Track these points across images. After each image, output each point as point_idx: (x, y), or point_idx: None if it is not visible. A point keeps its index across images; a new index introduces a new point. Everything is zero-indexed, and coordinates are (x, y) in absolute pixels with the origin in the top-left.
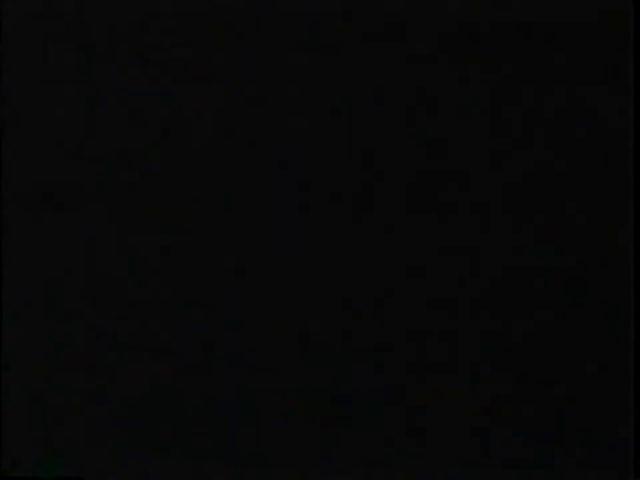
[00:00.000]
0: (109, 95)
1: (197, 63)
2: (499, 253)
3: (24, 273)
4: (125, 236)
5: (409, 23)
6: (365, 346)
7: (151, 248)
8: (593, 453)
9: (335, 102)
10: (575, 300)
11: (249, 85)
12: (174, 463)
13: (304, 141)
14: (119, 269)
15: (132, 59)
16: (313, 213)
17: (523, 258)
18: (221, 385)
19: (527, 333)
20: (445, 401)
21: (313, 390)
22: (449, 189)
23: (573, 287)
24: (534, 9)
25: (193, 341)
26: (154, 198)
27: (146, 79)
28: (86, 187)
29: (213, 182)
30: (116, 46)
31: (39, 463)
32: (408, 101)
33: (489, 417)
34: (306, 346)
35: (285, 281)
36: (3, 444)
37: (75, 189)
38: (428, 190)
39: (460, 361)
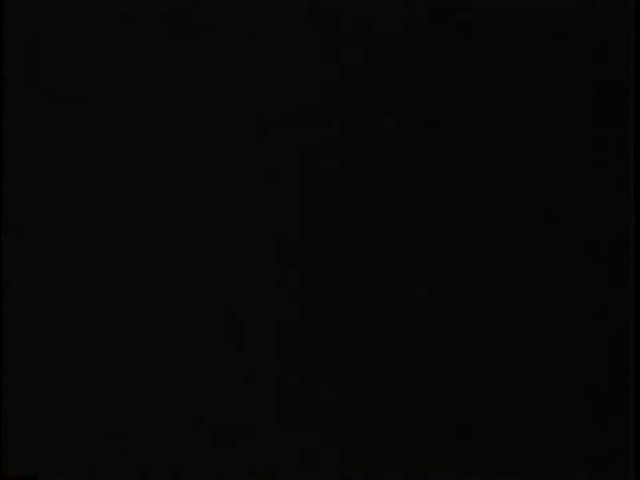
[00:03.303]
0: (108, 96)
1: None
2: (498, 251)
3: (24, 273)
4: (124, 236)
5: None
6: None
7: (151, 248)
8: (593, 453)
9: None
10: (575, 300)
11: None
12: (174, 466)
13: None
14: (117, 269)
15: (132, 59)
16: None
17: (522, 256)
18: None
19: (526, 332)
20: (444, 400)
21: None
22: (445, 187)
23: (573, 287)
24: (534, 3)
25: (192, 339)
26: (154, 198)
27: (147, 80)
28: (85, 187)
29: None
30: (116, 47)
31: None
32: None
33: (487, 417)
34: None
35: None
36: (2, 444)
37: (75, 190)
38: (426, 187)
39: (459, 361)
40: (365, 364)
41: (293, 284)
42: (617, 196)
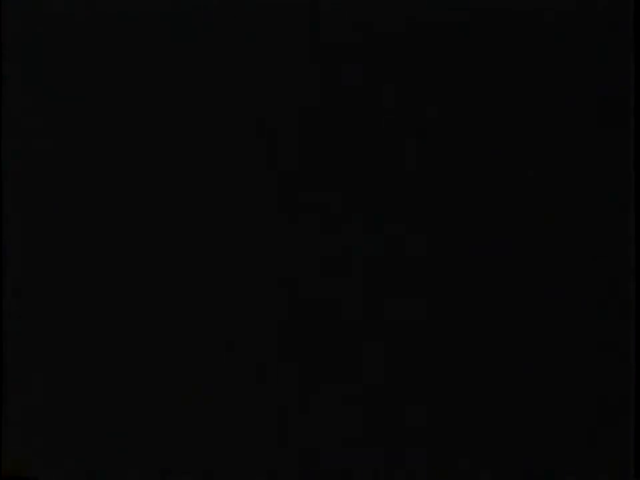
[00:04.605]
0: (107, 95)
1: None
2: (497, 253)
3: (24, 274)
4: (123, 235)
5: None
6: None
7: (151, 248)
8: (593, 453)
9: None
10: (575, 300)
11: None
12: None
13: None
14: (117, 270)
15: (131, 59)
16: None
17: (522, 256)
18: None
19: (526, 333)
20: (444, 401)
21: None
22: (446, 187)
23: (573, 287)
24: (534, 3)
25: (193, 341)
26: (153, 197)
27: (147, 80)
28: (85, 187)
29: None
30: (115, 47)
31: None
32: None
33: (487, 417)
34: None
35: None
36: (2, 444)
37: (74, 190)
38: (423, 190)
39: (459, 361)
40: (366, 365)
41: (293, 286)
42: (617, 196)
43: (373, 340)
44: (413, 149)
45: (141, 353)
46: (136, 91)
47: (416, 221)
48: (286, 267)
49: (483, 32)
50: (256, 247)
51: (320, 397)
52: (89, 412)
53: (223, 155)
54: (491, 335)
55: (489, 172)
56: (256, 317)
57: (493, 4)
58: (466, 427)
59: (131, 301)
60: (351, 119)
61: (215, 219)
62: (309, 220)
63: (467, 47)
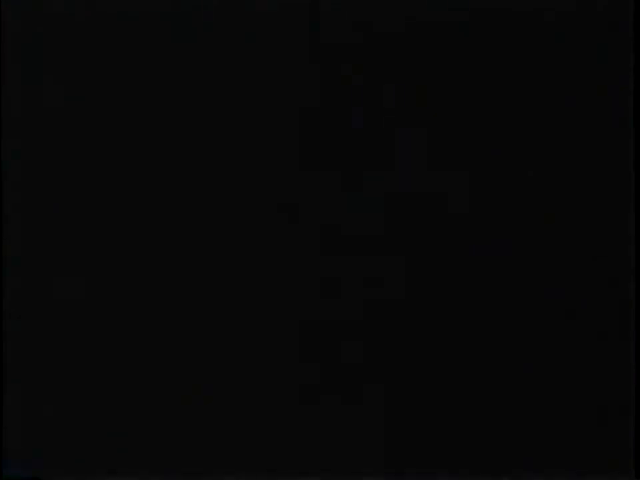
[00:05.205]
0: (107, 95)
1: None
2: (495, 252)
3: (24, 274)
4: (123, 235)
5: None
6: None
7: (151, 248)
8: (593, 453)
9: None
10: (575, 300)
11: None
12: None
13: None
14: (117, 269)
15: (131, 59)
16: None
17: (522, 256)
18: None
19: (526, 333)
20: (444, 400)
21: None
22: (446, 187)
23: (573, 287)
24: (534, 3)
25: (193, 342)
26: (154, 198)
27: (146, 80)
28: (85, 187)
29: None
30: (114, 46)
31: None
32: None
33: (488, 417)
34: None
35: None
36: (3, 444)
37: (75, 190)
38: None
39: (459, 360)
40: (366, 366)
41: (293, 285)
42: (617, 196)
43: (373, 340)
44: (414, 148)
45: (141, 353)
46: (136, 91)
47: (416, 220)
48: (285, 266)
49: (483, 32)
50: (255, 247)
51: (319, 398)
52: (89, 412)
53: (222, 154)
54: (491, 334)
55: (489, 172)
56: (256, 316)
57: (493, 4)
58: (465, 427)
59: (131, 300)
60: (351, 119)
61: (214, 218)
62: (309, 220)
63: (467, 47)
